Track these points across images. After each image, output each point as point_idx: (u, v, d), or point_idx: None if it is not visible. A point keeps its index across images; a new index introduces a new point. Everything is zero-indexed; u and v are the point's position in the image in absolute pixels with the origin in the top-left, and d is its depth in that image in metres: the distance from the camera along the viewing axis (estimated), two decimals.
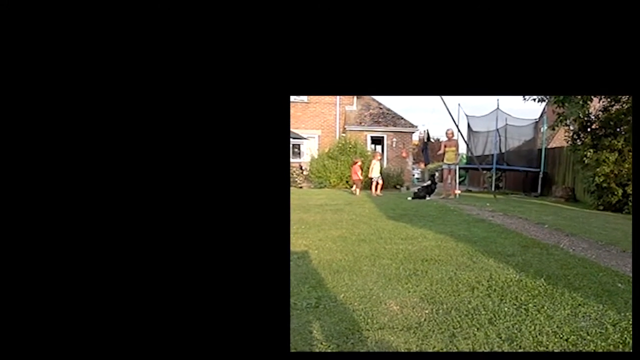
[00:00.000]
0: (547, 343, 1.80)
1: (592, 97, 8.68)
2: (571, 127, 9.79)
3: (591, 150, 8.64)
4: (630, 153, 7.94)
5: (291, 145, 15.43)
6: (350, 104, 16.48)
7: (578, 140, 9.48)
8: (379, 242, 3.90)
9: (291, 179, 12.95)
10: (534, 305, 2.23)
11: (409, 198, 9.36)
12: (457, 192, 10.15)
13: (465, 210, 6.75)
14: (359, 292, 2.45)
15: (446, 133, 10.28)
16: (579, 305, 2.25)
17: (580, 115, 8.91)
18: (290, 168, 12.82)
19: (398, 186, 13.73)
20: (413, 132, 17.39)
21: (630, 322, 1.95)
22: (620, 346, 1.78)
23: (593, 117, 9.22)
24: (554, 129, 11.37)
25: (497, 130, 12.71)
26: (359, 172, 11.27)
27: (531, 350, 1.75)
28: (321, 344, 1.79)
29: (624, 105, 8.47)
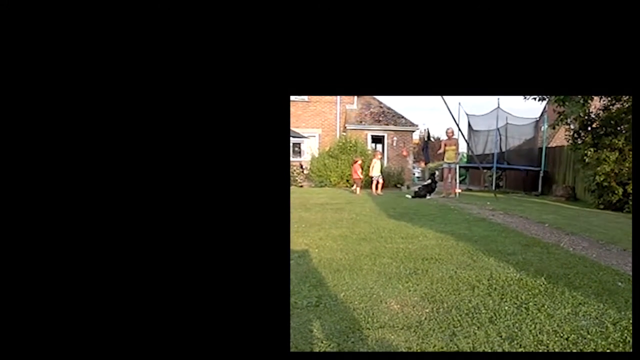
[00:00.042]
0: (548, 342, 1.80)
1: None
2: (572, 126, 9.80)
3: (592, 149, 8.64)
4: (631, 152, 7.93)
5: (291, 144, 15.45)
6: (351, 103, 16.49)
7: (578, 139, 9.48)
8: (380, 241, 3.91)
9: (291, 178, 12.96)
10: (535, 304, 2.23)
11: (410, 197, 9.37)
12: (458, 191, 10.16)
13: (466, 209, 6.75)
14: (360, 291, 2.45)
15: (446, 132, 10.30)
16: (580, 304, 2.25)
17: (581, 114, 8.92)
18: (291, 167, 12.82)
19: (398, 185, 13.74)
20: (413, 131, 17.41)
21: (631, 321, 1.96)
22: (621, 345, 1.78)
23: (593, 116, 9.23)
24: (554, 128, 11.38)
25: (498, 129, 12.69)
26: (360, 171, 11.27)
27: (531, 350, 1.75)
28: (321, 342, 1.79)
29: (624, 104, 8.46)
